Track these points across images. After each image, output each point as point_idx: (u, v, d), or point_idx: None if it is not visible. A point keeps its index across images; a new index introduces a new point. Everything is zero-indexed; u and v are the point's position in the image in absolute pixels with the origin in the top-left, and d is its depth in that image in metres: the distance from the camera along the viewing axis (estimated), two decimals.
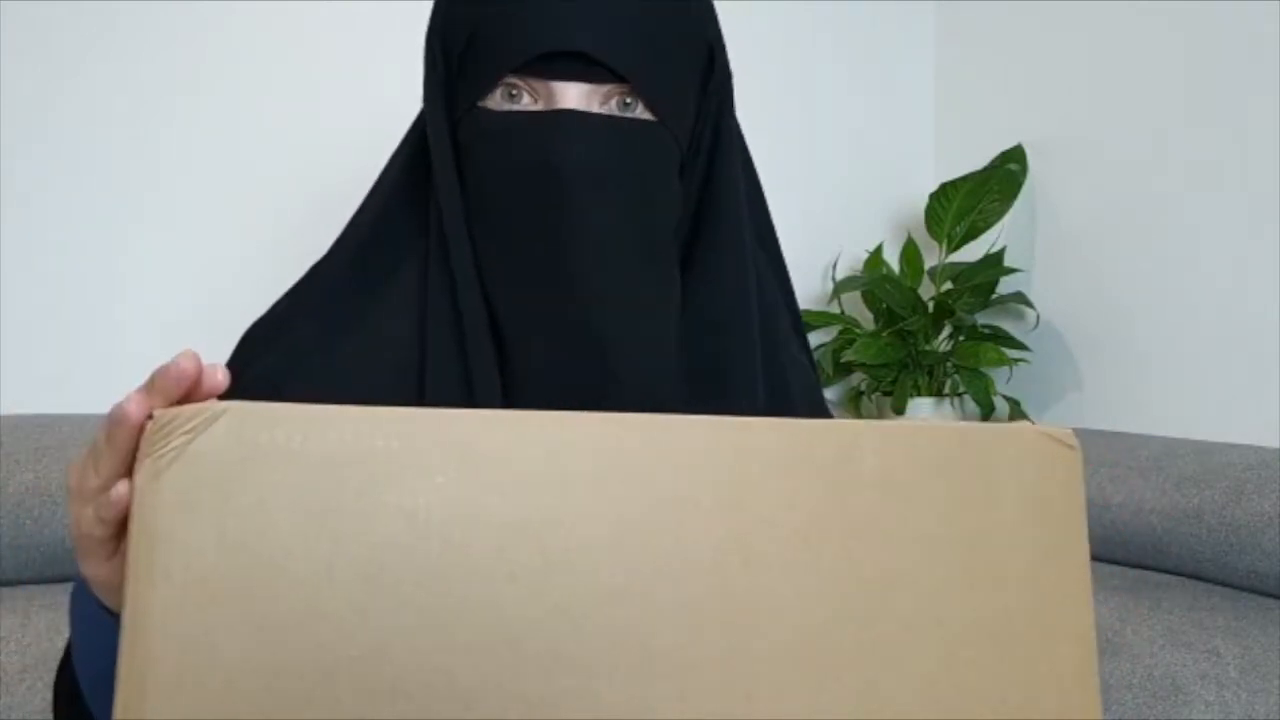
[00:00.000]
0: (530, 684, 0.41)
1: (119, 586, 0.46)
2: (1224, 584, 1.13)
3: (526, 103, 0.63)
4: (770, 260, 0.76)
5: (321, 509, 0.41)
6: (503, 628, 0.41)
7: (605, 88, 0.63)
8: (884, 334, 1.60)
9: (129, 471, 0.42)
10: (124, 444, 0.43)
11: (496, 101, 0.63)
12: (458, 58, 0.64)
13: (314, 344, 0.67)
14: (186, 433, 0.40)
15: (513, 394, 0.64)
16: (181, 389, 0.43)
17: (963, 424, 0.51)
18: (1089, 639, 0.48)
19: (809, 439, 0.46)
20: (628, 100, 0.63)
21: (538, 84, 0.62)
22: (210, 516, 0.40)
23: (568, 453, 0.43)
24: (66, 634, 0.99)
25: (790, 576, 0.44)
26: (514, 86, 0.63)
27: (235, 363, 0.69)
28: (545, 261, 0.63)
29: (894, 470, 0.46)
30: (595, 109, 0.63)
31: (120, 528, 0.44)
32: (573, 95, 0.62)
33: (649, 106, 0.64)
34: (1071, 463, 0.50)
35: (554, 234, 0.62)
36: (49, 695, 0.97)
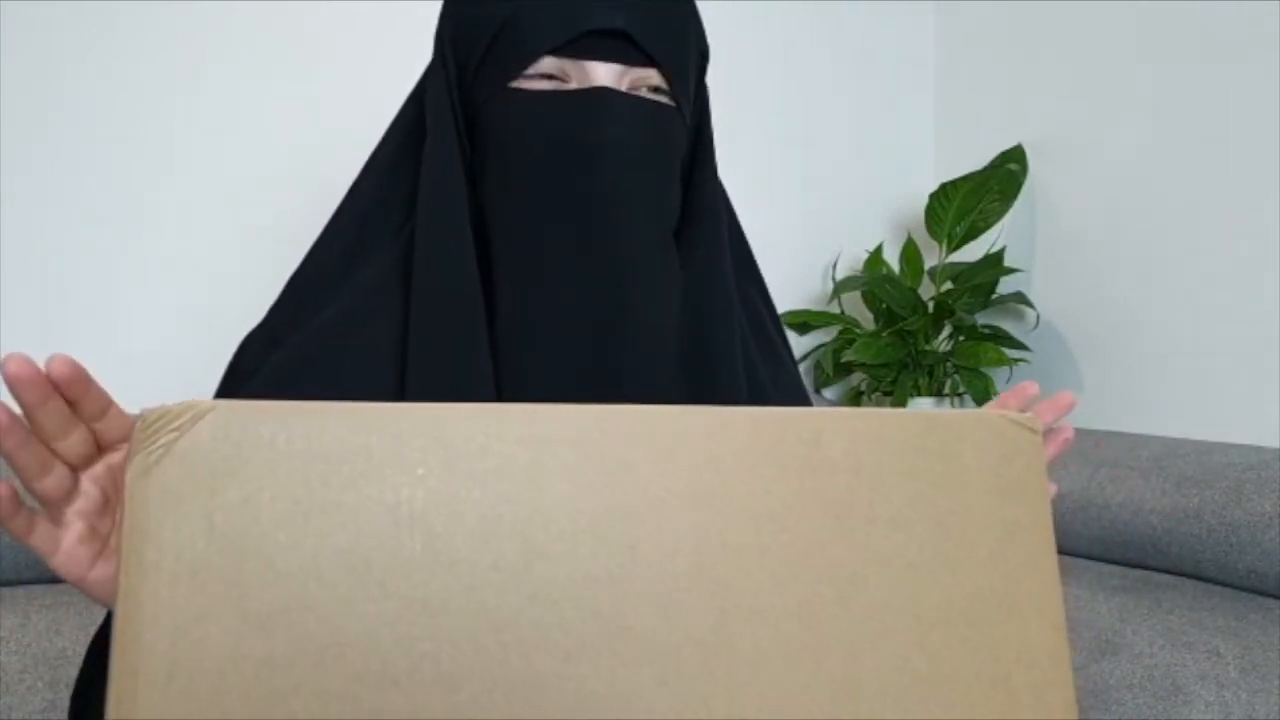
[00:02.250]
0: (514, 668, 0.42)
1: (93, 582, 0.48)
2: (1224, 584, 1.13)
3: (557, 84, 0.65)
4: (745, 263, 0.78)
5: (307, 503, 0.42)
6: (486, 615, 0.42)
7: (635, 71, 0.65)
8: (884, 334, 1.60)
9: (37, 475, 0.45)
10: (8, 454, 0.44)
11: (530, 82, 0.65)
12: (485, 45, 0.66)
13: (301, 350, 0.67)
14: (174, 430, 0.41)
15: (504, 369, 0.64)
16: (34, 390, 0.43)
17: (926, 410, 0.52)
18: (1059, 615, 0.49)
19: (779, 426, 0.47)
20: (654, 85, 0.66)
21: (570, 64, 0.65)
22: (198, 510, 0.41)
23: (546, 445, 0.44)
24: (66, 634, 0.99)
25: (765, 560, 0.45)
26: (548, 67, 0.65)
27: (234, 377, 0.70)
28: (577, 233, 0.64)
29: (862, 455, 0.48)
30: (623, 89, 0.65)
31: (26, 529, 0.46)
32: (604, 74, 0.65)
33: (670, 93, 0.67)
34: (1034, 445, 0.51)
35: (588, 206, 0.64)
36: (49, 695, 0.97)
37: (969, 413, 0.51)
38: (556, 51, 0.64)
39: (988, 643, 0.48)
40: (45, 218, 1.28)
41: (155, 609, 0.40)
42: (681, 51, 0.67)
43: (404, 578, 0.42)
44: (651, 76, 0.66)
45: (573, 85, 0.65)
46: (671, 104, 0.67)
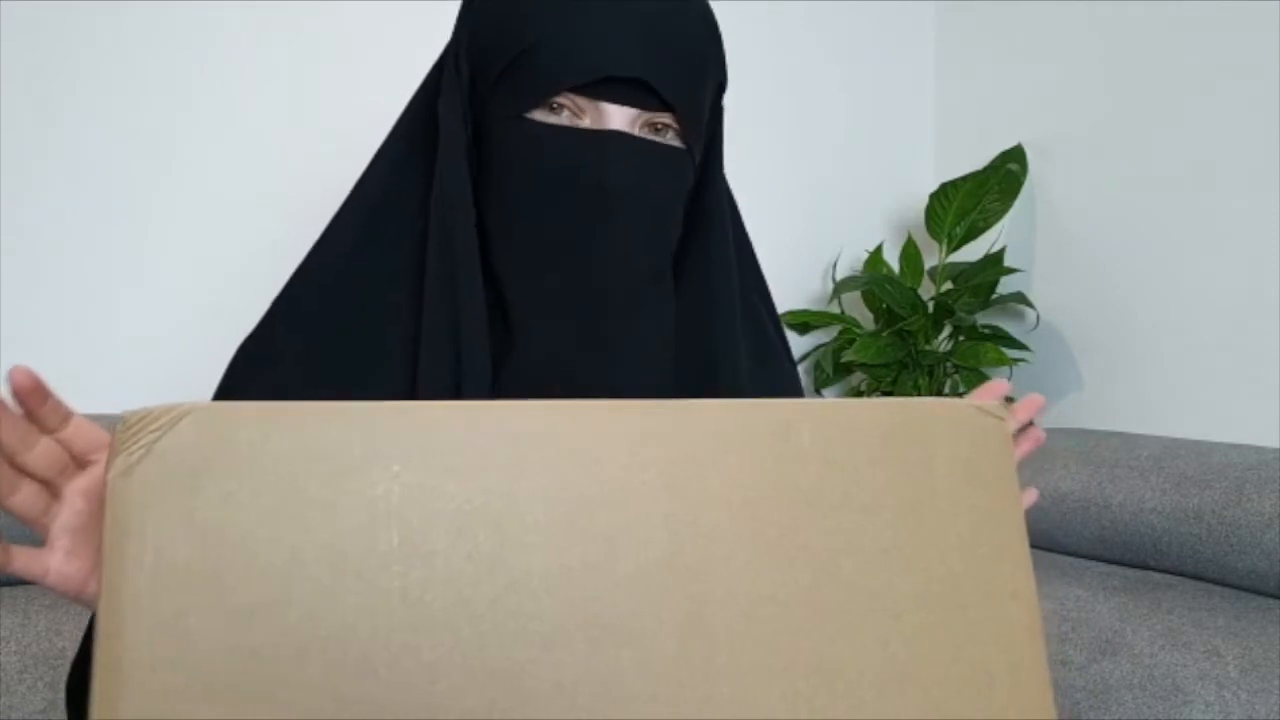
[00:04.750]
0: (493, 656, 0.43)
1: (90, 597, 0.48)
2: (1224, 584, 1.13)
3: (571, 118, 0.66)
4: (751, 272, 0.79)
5: (286, 499, 0.42)
6: (463, 605, 0.43)
7: (649, 114, 0.66)
8: (884, 334, 1.60)
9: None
10: None
11: (545, 114, 0.66)
12: (502, 65, 0.66)
13: (302, 360, 0.67)
14: (154, 431, 0.42)
15: (504, 389, 0.65)
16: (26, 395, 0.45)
17: (895, 399, 0.53)
18: (1031, 597, 0.50)
19: (749, 417, 0.48)
20: (661, 126, 0.67)
21: (587, 103, 0.65)
22: (179, 508, 0.42)
23: (520, 439, 0.45)
24: (66, 634, 0.99)
25: (740, 548, 0.46)
26: (565, 104, 0.65)
27: (233, 376, 0.69)
28: (573, 267, 0.65)
29: (832, 444, 0.48)
30: (636, 132, 0.66)
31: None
32: (619, 118, 0.65)
33: (681, 135, 0.68)
34: (1002, 433, 0.52)
35: (589, 243, 0.65)
36: (49, 695, 0.97)
37: (936, 401, 0.52)
38: (574, 90, 0.65)
39: (962, 626, 0.48)
40: (45, 219, 1.28)
41: (137, 605, 0.41)
42: (699, 93, 0.68)
43: (382, 570, 0.42)
44: (666, 118, 0.67)
45: (586, 123, 0.65)
46: (682, 146, 0.68)
